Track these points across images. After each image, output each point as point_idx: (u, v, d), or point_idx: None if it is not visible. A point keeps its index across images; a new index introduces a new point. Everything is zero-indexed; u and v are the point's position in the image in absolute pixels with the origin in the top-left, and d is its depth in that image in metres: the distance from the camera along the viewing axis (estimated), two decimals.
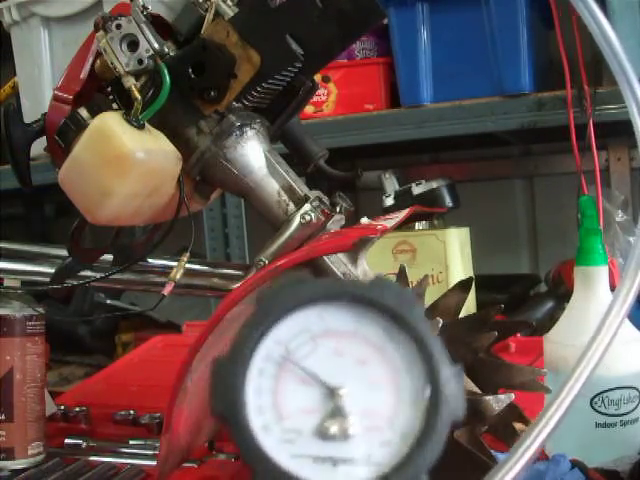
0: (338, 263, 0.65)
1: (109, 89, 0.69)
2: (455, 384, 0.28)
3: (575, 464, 0.62)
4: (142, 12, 0.65)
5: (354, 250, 0.64)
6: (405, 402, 0.28)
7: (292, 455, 0.27)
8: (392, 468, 0.27)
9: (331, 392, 0.28)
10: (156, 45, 0.65)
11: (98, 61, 0.67)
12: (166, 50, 0.66)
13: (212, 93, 0.67)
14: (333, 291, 0.29)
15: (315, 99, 1.46)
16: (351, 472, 0.27)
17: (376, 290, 0.29)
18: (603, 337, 0.34)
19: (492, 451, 0.53)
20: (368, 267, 0.66)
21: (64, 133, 0.65)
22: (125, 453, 0.80)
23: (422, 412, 0.27)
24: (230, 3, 0.67)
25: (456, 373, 0.28)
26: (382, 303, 0.29)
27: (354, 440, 0.28)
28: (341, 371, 0.28)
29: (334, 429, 0.28)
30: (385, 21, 1.39)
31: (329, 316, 0.29)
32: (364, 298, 0.29)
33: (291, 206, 0.68)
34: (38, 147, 0.71)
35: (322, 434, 0.28)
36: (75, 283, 0.82)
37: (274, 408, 0.28)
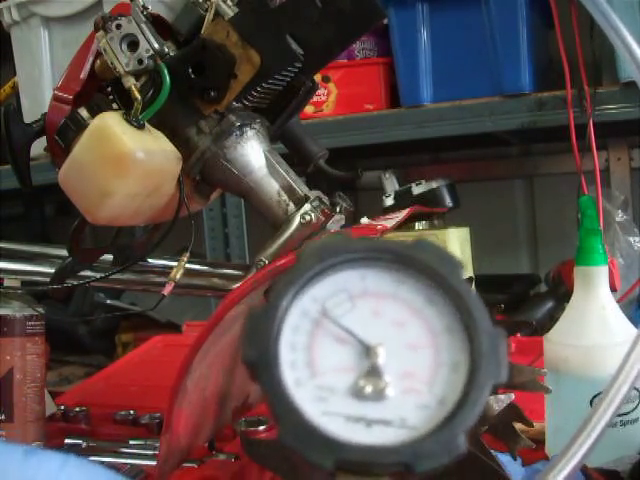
0: None
1: (109, 89, 0.69)
2: (497, 346, 0.27)
3: None
4: (142, 12, 0.65)
5: None
6: (444, 366, 0.28)
7: (324, 412, 0.27)
8: (429, 431, 0.26)
9: (367, 351, 0.28)
10: (156, 45, 0.65)
11: (98, 61, 0.67)
12: (166, 50, 0.66)
13: (212, 93, 0.67)
14: (375, 250, 0.29)
15: (315, 99, 1.46)
16: (385, 433, 0.27)
17: (418, 250, 0.29)
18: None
19: (492, 451, 0.53)
20: None
21: (64, 133, 0.65)
22: (125, 453, 0.79)
23: (462, 376, 0.27)
24: (230, 3, 0.67)
25: (498, 336, 0.27)
26: (424, 263, 0.28)
27: (389, 401, 0.27)
28: (378, 331, 0.28)
29: (369, 389, 0.27)
30: (385, 21, 1.39)
31: (369, 276, 0.29)
32: (406, 257, 0.29)
33: (291, 206, 0.68)
34: (38, 147, 0.71)
35: (356, 393, 0.27)
36: (75, 283, 0.82)
37: (308, 365, 0.28)
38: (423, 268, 0.29)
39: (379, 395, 0.27)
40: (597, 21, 0.40)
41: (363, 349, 0.28)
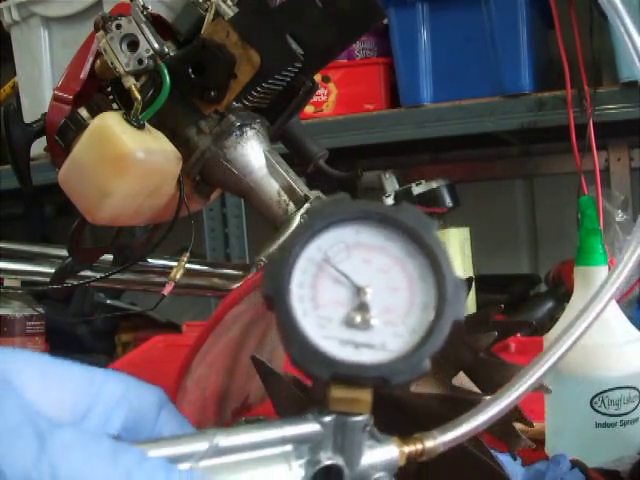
0: None
1: (109, 89, 0.69)
2: (458, 292, 0.35)
3: (575, 464, 0.62)
4: (142, 12, 0.65)
5: None
6: (417, 305, 0.35)
7: (323, 336, 0.34)
8: (402, 354, 0.34)
9: (358, 290, 0.35)
10: (156, 45, 0.65)
11: (98, 61, 0.67)
12: (166, 50, 0.66)
13: (212, 93, 0.67)
14: (366, 211, 0.36)
15: (315, 99, 1.46)
16: (369, 354, 0.34)
17: (400, 213, 0.36)
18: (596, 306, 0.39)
19: (492, 451, 0.53)
20: None
21: (64, 133, 0.65)
22: None
23: (430, 314, 0.34)
24: (230, 3, 0.67)
25: (459, 284, 0.35)
26: (404, 223, 0.36)
27: (373, 330, 0.34)
28: (368, 275, 0.35)
29: (358, 319, 0.34)
30: (385, 21, 1.39)
31: (362, 232, 0.36)
32: (390, 218, 0.36)
33: (291, 206, 0.68)
34: (38, 147, 0.71)
35: (348, 323, 0.35)
36: (75, 283, 0.82)
37: (312, 299, 0.35)
38: (404, 227, 0.36)
39: (366, 325, 0.35)
40: (609, 17, 0.40)
41: (355, 289, 0.35)
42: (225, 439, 0.34)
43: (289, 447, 0.35)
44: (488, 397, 0.51)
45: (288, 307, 0.34)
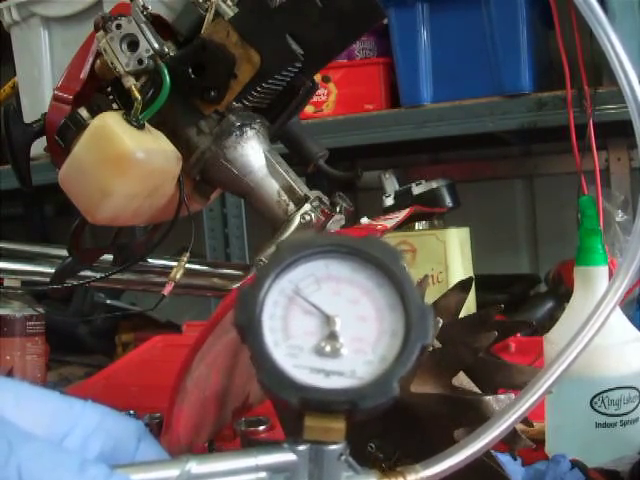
0: None
1: (109, 89, 0.69)
2: (425, 318, 0.36)
3: (575, 464, 0.62)
4: (142, 12, 0.65)
5: None
6: (386, 333, 0.36)
7: (294, 365, 0.35)
8: (371, 380, 0.35)
9: (328, 320, 0.36)
10: (156, 45, 0.65)
11: (98, 61, 0.67)
12: (166, 50, 0.66)
13: (212, 93, 0.67)
14: (335, 245, 0.38)
15: (315, 99, 1.46)
16: (339, 381, 0.35)
17: (368, 245, 0.38)
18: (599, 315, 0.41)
19: (492, 451, 0.53)
20: None
21: (64, 133, 0.65)
22: None
23: (399, 340, 0.36)
24: (230, 3, 0.67)
25: (426, 310, 0.36)
26: (372, 255, 0.37)
27: (343, 358, 0.36)
28: (337, 306, 0.37)
29: (328, 348, 0.36)
30: (385, 21, 1.39)
31: (332, 265, 0.37)
32: (359, 250, 0.37)
33: (291, 206, 0.68)
34: (38, 147, 0.71)
35: (319, 352, 0.36)
36: (75, 283, 0.82)
37: (283, 330, 0.36)
38: (372, 259, 0.37)
39: (335, 353, 0.36)
40: (590, 26, 0.40)
41: (325, 319, 0.36)
42: (197, 466, 0.34)
43: (263, 475, 0.35)
44: (489, 397, 0.51)
45: (260, 338, 0.35)
